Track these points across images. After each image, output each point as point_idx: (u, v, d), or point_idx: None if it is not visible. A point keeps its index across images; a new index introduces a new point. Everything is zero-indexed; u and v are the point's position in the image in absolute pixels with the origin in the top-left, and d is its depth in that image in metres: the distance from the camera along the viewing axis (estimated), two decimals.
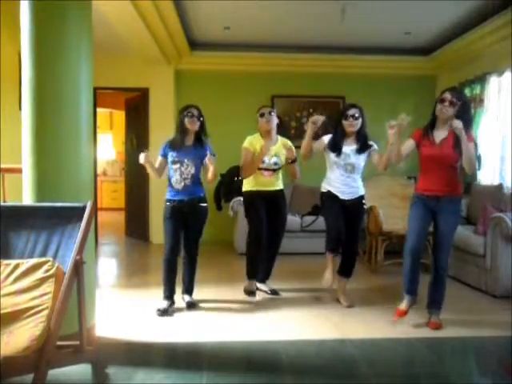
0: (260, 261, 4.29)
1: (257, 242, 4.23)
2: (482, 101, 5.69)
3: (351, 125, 3.91)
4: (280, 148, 4.19)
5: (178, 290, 3.98)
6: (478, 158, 5.81)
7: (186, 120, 3.83)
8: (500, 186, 5.12)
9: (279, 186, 4.32)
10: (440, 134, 3.53)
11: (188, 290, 4.01)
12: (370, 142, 3.99)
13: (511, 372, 2.75)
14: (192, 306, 3.92)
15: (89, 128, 3.15)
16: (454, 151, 3.43)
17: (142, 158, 3.79)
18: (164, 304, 3.83)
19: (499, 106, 5.53)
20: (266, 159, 4.13)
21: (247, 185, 4.29)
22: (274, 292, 4.33)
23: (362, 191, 4.07)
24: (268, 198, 4.23)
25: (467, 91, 5.98)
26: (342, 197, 3.99)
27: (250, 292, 4.26)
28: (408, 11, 5.26)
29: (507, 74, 5.34)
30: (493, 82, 5.59)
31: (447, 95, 3.46)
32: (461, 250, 4.72)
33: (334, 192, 4.00)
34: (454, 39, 6.12)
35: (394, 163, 3.76)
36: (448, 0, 4.89)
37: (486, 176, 5.75)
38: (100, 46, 4.43)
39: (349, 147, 3.96)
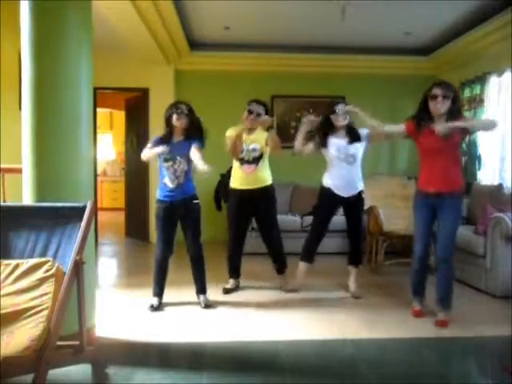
0: (238, 261, 4.41)
1: (234, 243, 4.32)
2: (482, 101, 5.69)
3: (340, 119, 4.00)
4: (259, 136, 4.13)
5: (174, 290, 3.99)
6: (478, 158, 5.82)
7: (174, 116, 3.80)
8: (500, 186, 5.11)
9: (265, 181, 4.21)
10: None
11: (201, 289, 4.01)
12: (360, 131, 4.07)
13: (511, 372, 2.74)
14: (209, 306, 3.91)
15: (89, 128, 3.15)
16: (459, 135, 3.48)
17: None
18: (155, 300, 3.88)
19: (499, 106, 5.52)
20: (244, 146, 4.11)
21: (231, 182, 4.31)
22: (288, 291, 4.34)
23: (361, 186, 4.14)
24: (251, 197, 4.17)
25: (467, 91, 5.99)
26: (342, 194, 4.06)
27: (226, 290, 4.32)
28: (408, 11, 5.25)
29: (507, 73, 5.33)
30: (493, 82, 5.59)
31: (438, 91, 3.43)
32: (461, 249, 4.71)
33: (334, 189, 4.05)
34: (454, 39, 6.11)
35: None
36: (448, 0, 4.89)
37: (486, 176, 5.74)
38: (100, 46, 4.42)
39: (342, 140, 4.04)
